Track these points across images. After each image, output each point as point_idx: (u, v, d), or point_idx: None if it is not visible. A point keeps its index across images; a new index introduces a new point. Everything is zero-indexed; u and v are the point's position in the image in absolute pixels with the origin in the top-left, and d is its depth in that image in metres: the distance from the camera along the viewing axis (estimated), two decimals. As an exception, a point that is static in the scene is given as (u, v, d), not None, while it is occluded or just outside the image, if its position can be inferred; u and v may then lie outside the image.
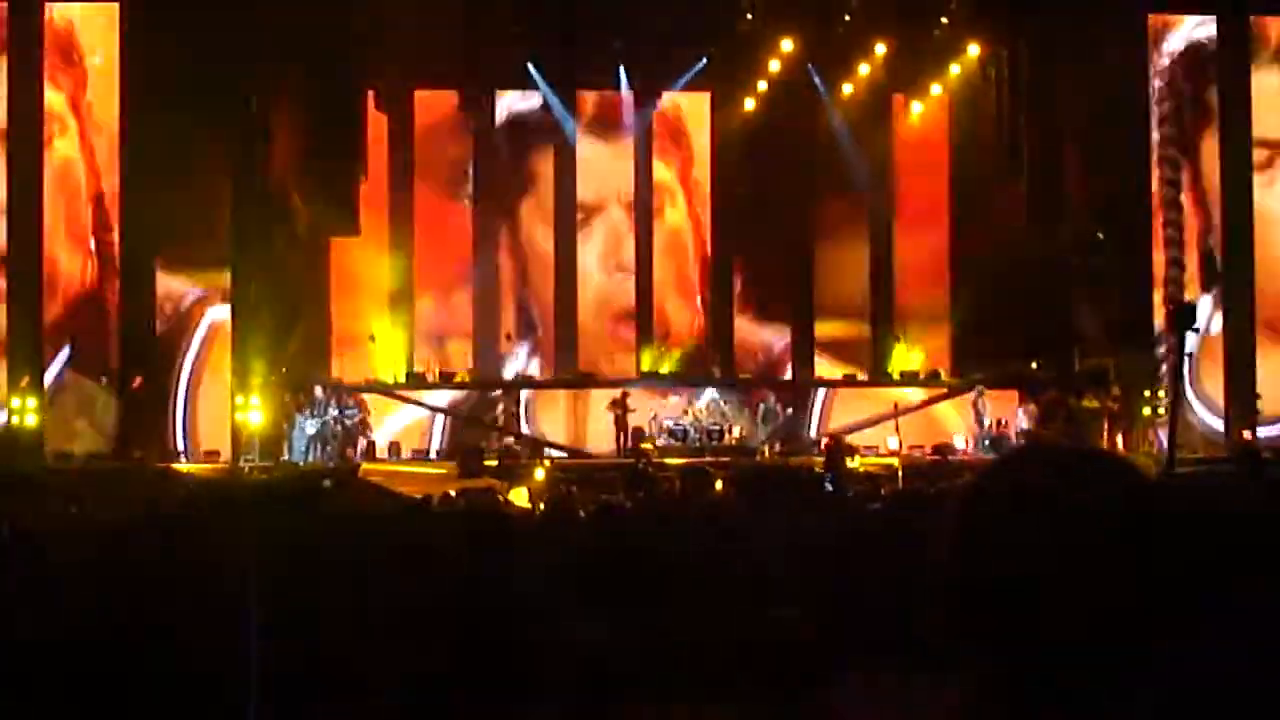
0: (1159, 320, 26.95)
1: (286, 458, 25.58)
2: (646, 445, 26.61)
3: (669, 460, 25.09)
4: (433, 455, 27.60)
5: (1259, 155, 27.95)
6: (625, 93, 30.66)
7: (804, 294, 31.26)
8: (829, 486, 12.61)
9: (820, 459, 22.82)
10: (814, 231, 31.26)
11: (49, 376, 25.31)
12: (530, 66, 29.74)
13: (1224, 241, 27.83)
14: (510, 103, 30.95)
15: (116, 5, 25.70)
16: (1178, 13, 27.92)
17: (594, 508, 8.13)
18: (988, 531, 1.56)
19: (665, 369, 30.17)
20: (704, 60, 29.83)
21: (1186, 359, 24.39)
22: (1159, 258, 27.74)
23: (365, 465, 25.08)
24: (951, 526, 1.62)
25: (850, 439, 26.54)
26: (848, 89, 30.25)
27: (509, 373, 30.20)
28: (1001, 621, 1.53)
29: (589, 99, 30.97)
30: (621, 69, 30.20)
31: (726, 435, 28.11)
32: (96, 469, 22.83)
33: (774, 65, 29.64)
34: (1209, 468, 20.26)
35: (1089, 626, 1.54)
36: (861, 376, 30.33)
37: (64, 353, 25.41)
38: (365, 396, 27.94)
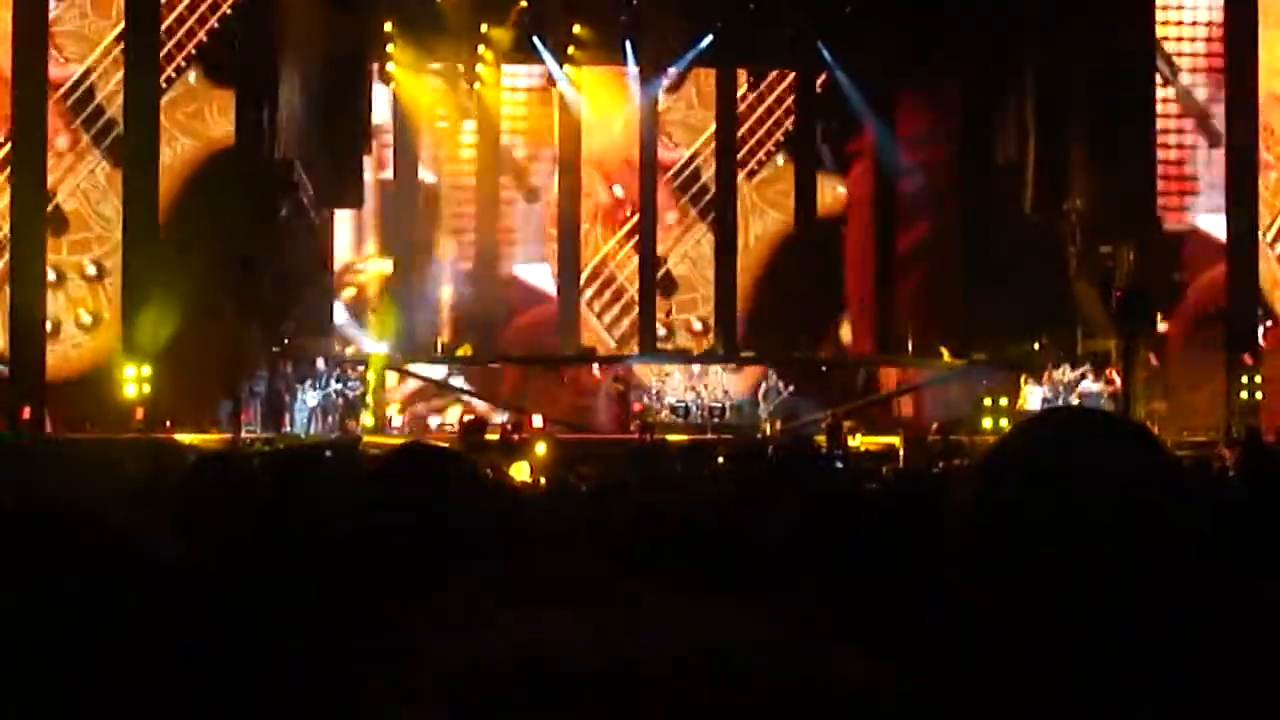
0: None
1: (288, 429, 25.50)
2: (649, 421, 26.53)
3: (671, 437, 25.01)
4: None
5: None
6: (631, 67, 30.51)
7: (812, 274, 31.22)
8: (839, 465, 12.59)
9: (823, 436, 22.69)
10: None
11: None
12: (535, 40, 29.56)
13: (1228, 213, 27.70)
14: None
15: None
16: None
17: (594, 484, 8.07)
18: (1008, 494, 1.53)
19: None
20: (711, 36, 29.68)
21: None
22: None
23: (367, 438, 24.97)
24: (972, 492, 1.59)
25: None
26: (855, 68, 30.15)
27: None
28: (1022, 588, 1.50)
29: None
30: (628, 43, 30.03)
31: (729, 413, 27.95)
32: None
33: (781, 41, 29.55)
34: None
35: (1107, 589, 1.51)
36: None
37: None
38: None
